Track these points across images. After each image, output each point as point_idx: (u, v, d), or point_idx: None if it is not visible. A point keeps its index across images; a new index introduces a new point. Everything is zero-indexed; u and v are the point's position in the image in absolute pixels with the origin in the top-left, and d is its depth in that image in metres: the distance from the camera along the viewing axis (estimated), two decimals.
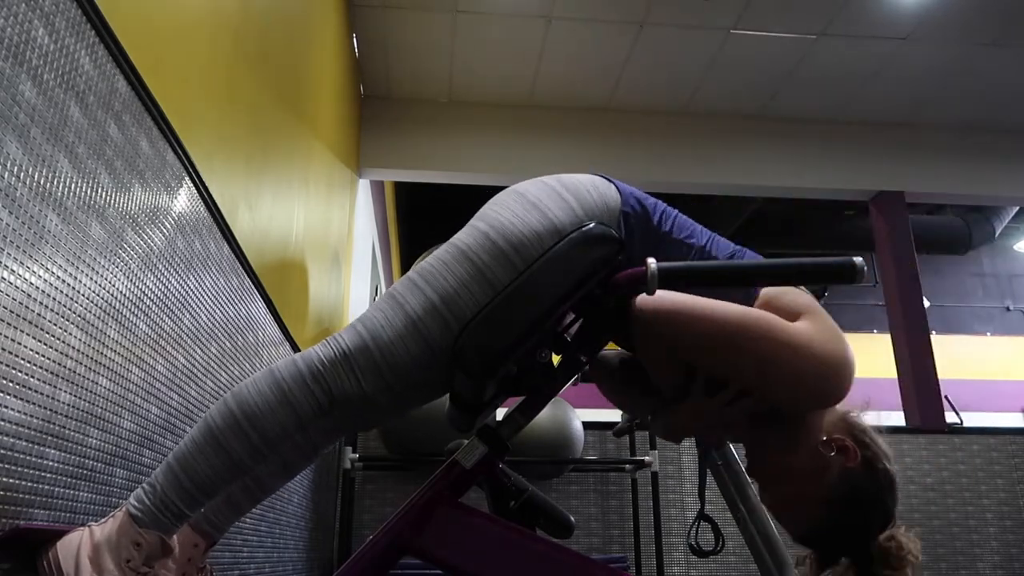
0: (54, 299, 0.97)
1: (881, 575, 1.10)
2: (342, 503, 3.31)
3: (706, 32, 4.20)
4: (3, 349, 0.86)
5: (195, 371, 1.52)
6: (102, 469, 1.12)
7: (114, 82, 1.13)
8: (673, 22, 4.12)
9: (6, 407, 0.87)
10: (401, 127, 4.73)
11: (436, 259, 1.13)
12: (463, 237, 1.14)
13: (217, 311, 1.65)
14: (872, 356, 6.30)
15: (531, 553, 1.07)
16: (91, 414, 1.08)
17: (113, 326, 1.14)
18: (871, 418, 1.21)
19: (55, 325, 0.97)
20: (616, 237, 1.11)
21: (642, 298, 1.10)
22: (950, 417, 4.53)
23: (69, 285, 1.01)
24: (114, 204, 1.13)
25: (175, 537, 1.04)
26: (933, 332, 4.89)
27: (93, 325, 1.07)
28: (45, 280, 0.95)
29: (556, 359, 1.15)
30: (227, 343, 1.73)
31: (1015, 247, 9.59)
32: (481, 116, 4.83)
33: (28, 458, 0.92)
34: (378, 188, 5.39)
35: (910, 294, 4.73)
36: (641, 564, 3.39)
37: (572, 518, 1.22)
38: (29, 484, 0.92)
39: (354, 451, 3.29)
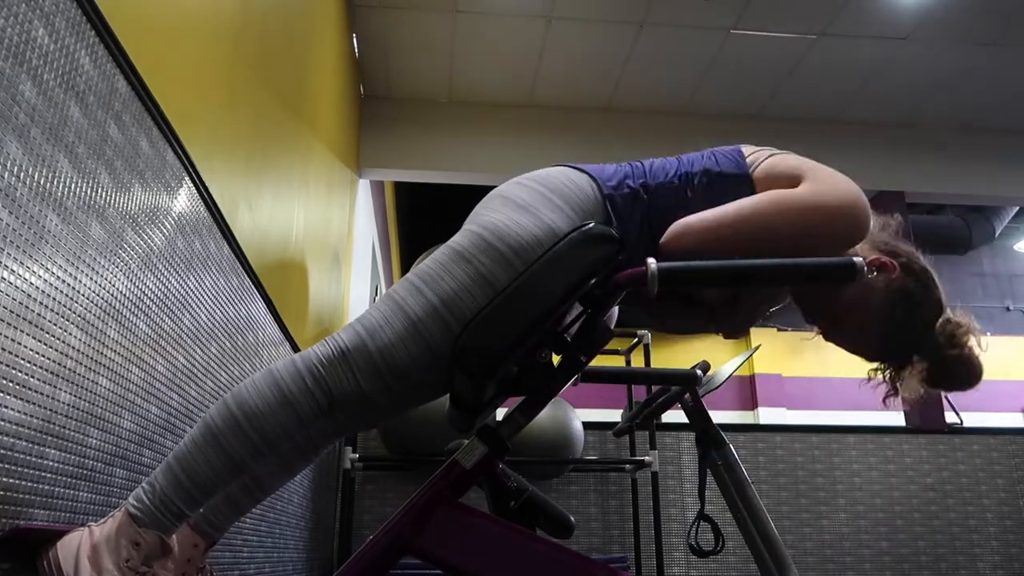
0: (54, 299, 0.97)
1: (952, 356, 1.23)
2: (342, 503, 3.31)
3: (706, 32, 4.20)
4: (3, 349, 0.86)
5: (195, 371, 1.52)
6: (102, 469, 1.12)
7: (114, 82, 1.13)
8: (673, 22, 4.12)
9: (6, 407, 0.87)
10: (401, 127, 4.73)
11: (435, 262, 1.13)
12: (460, 240, 1.15)
13: (217, 311, 1.65)
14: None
15: (531, 553, 1.07)
16: (91, 414, 1.08)
17: (113, 326, 1.14)
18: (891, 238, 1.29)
19: (55, 325, 0.97)
20: (616, 236, 1.11)
21: (665, 240, 1.17)
22: (950, 417, 4.53)
23: (69, 285, 1.01)
24: (114, 204, 1.13)
25: (174, 537, 1.04)
26: None
27: (93, 325, 1.07)
28: (45, 280, 0.95)
29: (556, 359, 1.15)
30: (227, 343, 1.73)
31: (1015, 247, 9.58)
32: (481, 116, 4.83)
33: (28, 458, 0.92)
34: (378, 188, 5.39)
35: None
36: (641, 564, 3.39)
37: (572, 518, 1.22)
38: (29, 484, 0.92)
39: (354, 451, 3.29)
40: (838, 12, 4.02)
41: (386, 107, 4.76)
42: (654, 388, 1.85)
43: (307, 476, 2.74)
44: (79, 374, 1.04)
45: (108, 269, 1.12)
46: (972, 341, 1.25)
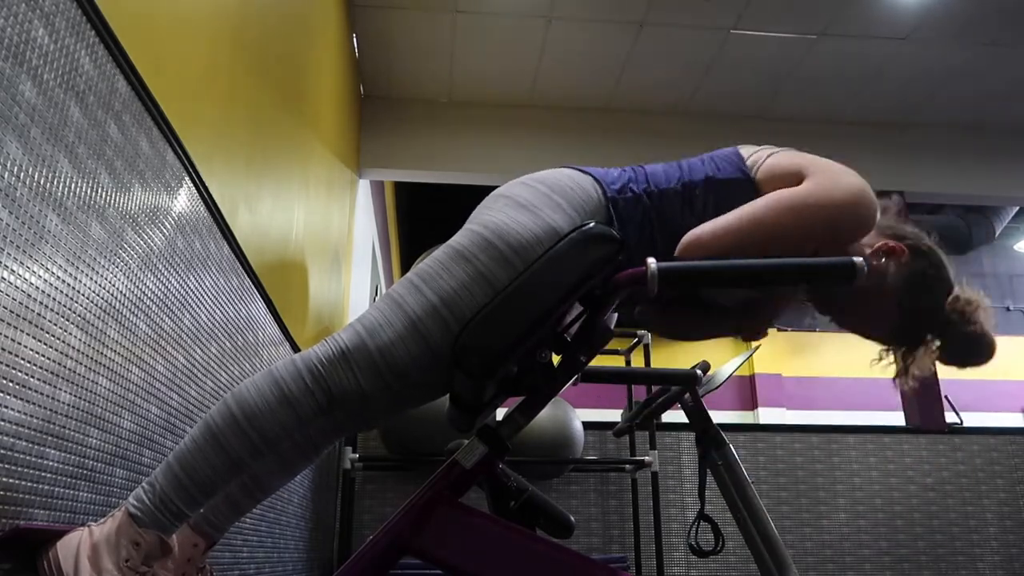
0: (54, 299, 0.97)
1: (962, 332, 1.25)
2: (342, 503, 3.31)
3: (706, 32, 4.20)
4: (3, 349, 0.86)
5: (195, 371, 1.52)
6: (102, 469, 1.12)
7: (114, 82, 1.13)
8: (673, 22, 4.11)
9: (6, 407, 0.87)
10: (401, 127, 4.73)
11: (435, 261, 1.13)
12: (460, 240, 1.15)
13: (217, 311, 1.65)
14: (872, 356, 6.29)
15: (531, 553, 1.07)
16: (91, 414, 1.08)
17: (113, 326, 1.14)
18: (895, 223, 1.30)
19: (55, 325, 0.97)
20: (616, 236, 1.11)
21: (679, 254, 1.17)
22: (950, 417, 4.53)
23: (69, 285, 1.01)
24: (114, 204, 1.13)
25: (174, 537, 1.04)
26: None
27: (93, 325, 1.07)
28: (45, 280, 0.95)
29: (556, 359, 1.15)
30: (227, 343, 1.73)
31: (1015, 247, 9.58)
32: (481, 116, 4.83)
33: (28, 458, 0.92)
34: (378, 188, 5.39)
35: None
36: (641, 564, 3.39)
37: (572, 518, 1.22)
38: (29, 484, 0.92)
39: (354, 451, 3.29)
40: (838, 12, 4.02)
41: (386, 107, 4.76)
42: (654, 388, 1.85)
43: (307, 476, 2.74)
44: (79, 374, 1.04)
45: (108, 269, 1.12)
46: (983, 316, 1.26)
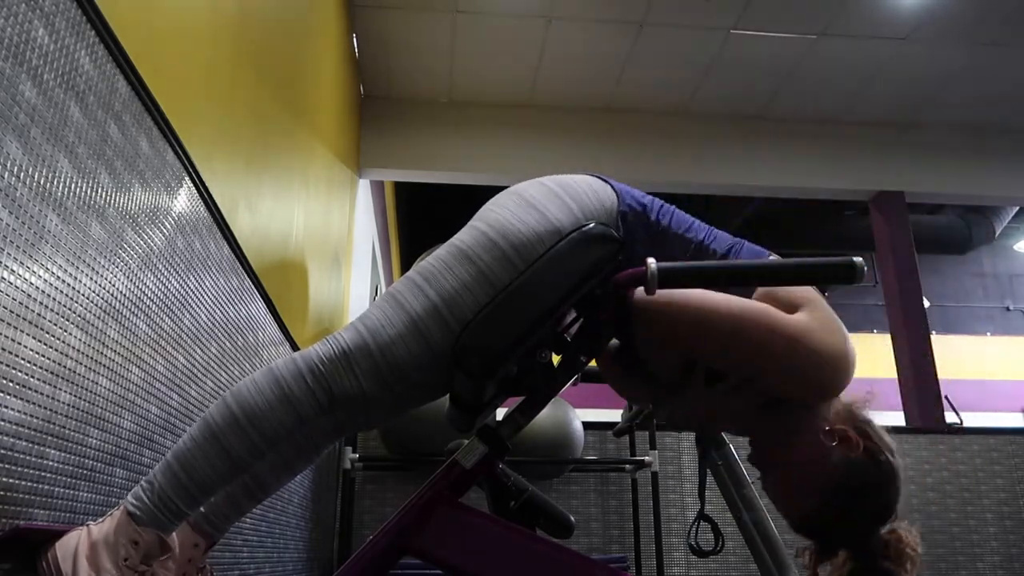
0: (54, 299, 0.97)
1: (880, 568, 1.10)
2: (342, 503, 3.31)
3: (706, 32, 4.20)
4: (3, 349, 0.86)
5: (195, 371, 1.52)
6: (102, 469, 1.12)
7: (114, 82, 1.13)
8: (673, 22, 4.12)
9: (6, 407, 0.87)
10: (401, 127, 4.73)
11: (437, 259, 1.13)
12: (463, 237, 1.15)
13: (217, 311, 1.65)
14: (872, 356, 6.29)
15: (531, 553, 1.07)
16: (91, 414, 1.08)
17: (113, 326, 1.14)
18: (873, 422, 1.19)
19: (55, 325, 0.97)
20: (616, 237, 1.11)
21: (640, 291, 1.09)
22: (950, 417, 4.53)
23: (69, 285, 1.01)
24: (114, 204, 1.13)
25: (175, 537, 1.04)
26: (933, 332, 4.89)
27: (93, 325, 1.07)
28: (45, 280, 0.95)
29: (556, 359, 1.15)
30: (227, 343, 1.73)
31: (1015, 247, 9.59)
32: (481, 116, 4.83)
33: (28, 458, 0.92)
34: (378, 188, 5.39)
35: (910, 294, 4.73)
36: (641, 564, 3.39)
37: (572, 518, 1.22)
38: (29, 484, 0.92)
39: (354, 451, 3.29)
40: (838, 12, 4.02)
41: (386, 107, 4.76)
42: None
43: (307, 476, 2.74)
44: (79, 374, 1.04)
45: (108, 269, 1.12)
46: (909, 566, 1.10)
